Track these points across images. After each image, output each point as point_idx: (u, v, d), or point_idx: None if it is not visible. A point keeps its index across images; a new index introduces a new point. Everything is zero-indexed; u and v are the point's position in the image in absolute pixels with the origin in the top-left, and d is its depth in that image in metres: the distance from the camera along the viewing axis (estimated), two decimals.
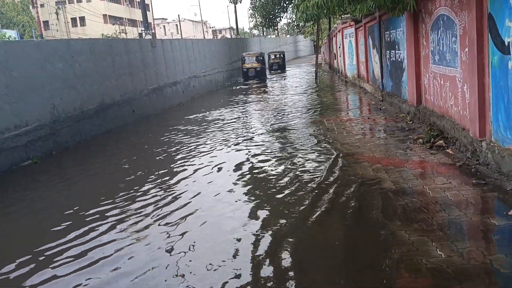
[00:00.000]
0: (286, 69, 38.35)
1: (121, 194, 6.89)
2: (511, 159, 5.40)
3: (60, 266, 4.68)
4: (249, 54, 31.14)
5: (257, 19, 34.29)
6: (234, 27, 50.57)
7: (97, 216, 6.01)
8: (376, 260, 4.04)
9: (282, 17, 34.23)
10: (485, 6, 5.92)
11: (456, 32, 7.14)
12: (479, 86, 6.19)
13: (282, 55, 38.03)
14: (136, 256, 4.70)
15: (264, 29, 45.05)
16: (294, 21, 38.55)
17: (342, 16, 19.88)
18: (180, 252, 4.65)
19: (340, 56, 24.69)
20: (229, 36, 70.66)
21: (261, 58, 30.91)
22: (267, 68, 36.25)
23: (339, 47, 24.27)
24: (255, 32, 75.64)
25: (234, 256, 4.47)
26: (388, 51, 12.40)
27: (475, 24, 6.11)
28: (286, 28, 79.01)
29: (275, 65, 37.46)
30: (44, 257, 4.93)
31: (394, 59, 11.73)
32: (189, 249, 4.71)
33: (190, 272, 4.22)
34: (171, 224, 5.49)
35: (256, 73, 29.71)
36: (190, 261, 4.45)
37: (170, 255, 4.61)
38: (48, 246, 5.18)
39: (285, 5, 30.62)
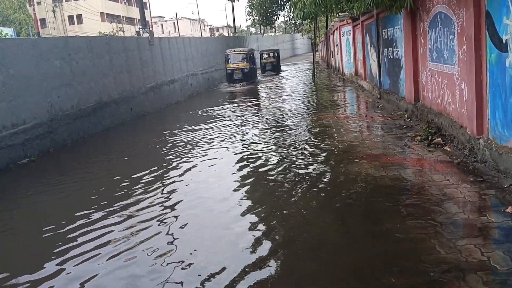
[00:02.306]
0: (282, 68, 34.51)
1: (119, 195, 6.86)
2: (508, 157, 5.41)
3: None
4: (234, 51, 25.65)
5: (255, 17, 34.13)
6: (232, 25, 50.52)
7: (95, 219, 5.95)
8: (374, 257, 4.05)
9: (280, 15, 33.96)
10: (483, 4, 5.93)
11: (454, 29, 7.15)
12: (477, 84, 6.20)
13: (276, 54, 33.19)
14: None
15: (262, 27, 44.91)
16: (291, 19, 38.32)
17: (340, 14, 19.90)
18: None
19: (337, 54, 24.70)
20: (226, 34, 70.60)
21: (251, 55, 25.77)
22: (259, 69, 32.54)
23: (337, 45, 24.29)
24: (253, 30, 75.62)
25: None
26: (385, 49, 12.41)
27: (473, 21, 6.12)
28: (284, 26, 78.99)
29: (268, 65, 32.66)
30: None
31: (391, 56, 11.74)
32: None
33: None
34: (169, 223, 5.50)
35: (243, 75, 24.71)
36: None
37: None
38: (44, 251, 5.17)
39: (282, 3, 30.47)
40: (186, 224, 5.38)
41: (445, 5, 7.47)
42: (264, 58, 33.39)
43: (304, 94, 18.19)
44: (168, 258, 4.50)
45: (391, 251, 4.09)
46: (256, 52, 33.01)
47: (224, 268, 4.16)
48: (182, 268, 4.26)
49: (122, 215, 5.89)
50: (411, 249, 4.05)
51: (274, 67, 32.63)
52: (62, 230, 5.56)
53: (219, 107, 16.20)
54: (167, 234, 5.14)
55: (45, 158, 10.04)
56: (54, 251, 4.97)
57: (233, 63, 24.99)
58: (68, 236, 5.34)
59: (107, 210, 6.13)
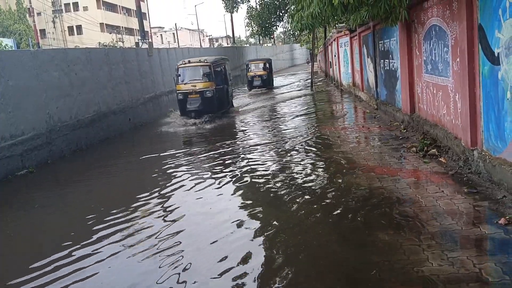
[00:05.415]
0: (275, 83, 28.77)
1: (115, 209, 6.80)
2: (501, 168, 5.46)
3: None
4: (189, 63, 15.70)
5: (254, 28, 34.30)
6: (231, 35, 50.82)
7: (93, 237, 5.95)
8: (367, 269, 4.07)
9: (278, 26, 34.08)
10: (475, 17, 6.02)
11: (448, 42, 7.24)
12: (470, 96, 6.26)
13: (267, 65, 26.71)
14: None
15: (261, 37, 45.13)
16: (289, 30, 38.47)
17: (337, 25, 20.06)
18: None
19: (335, 65, 24.84)
20: (225, 45, 70.99)
21: (219, 69, 16.25)
22: (246, 85, 27.26)
23: (335, 56, 24.44)
24: (252, 40, 76.13)
25: None
26: (382, 60, 12.51)
27: (466, 34, 6.20)
28: (283, 36, 79.49)
29: (257, 79, 26.01)
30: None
31: (388, 68, 11.84)
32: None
33: None
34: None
35: (203, 103, 14.87)
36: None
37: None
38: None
39: (281, 14, 30.68)
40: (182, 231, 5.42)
41: (439, 18, 7.57)
42: (252, 70, 26.52)
43: (302, 114, 15.27)
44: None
45: (384, 263, 4.11)
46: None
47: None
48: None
49: (123, 231, 5.92)
50: (404, 261, 4.07)
51: (264, 82, 26.16)
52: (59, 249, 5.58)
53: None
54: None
55: (44, 169, 10.08)
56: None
57: (186, 83, 15.27)
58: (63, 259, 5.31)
59: (101, 231, 5.98)
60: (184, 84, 15.20)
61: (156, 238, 5.39)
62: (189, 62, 15.74)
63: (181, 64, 15.71)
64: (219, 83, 15.74)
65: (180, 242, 5.19)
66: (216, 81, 15.46)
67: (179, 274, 4.41)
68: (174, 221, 5.97)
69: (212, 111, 15.25)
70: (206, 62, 15.51)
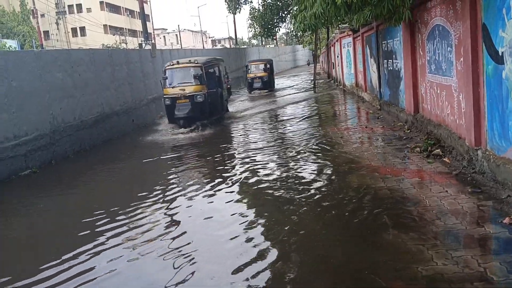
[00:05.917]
0: (276, 85, 27.93)
1: (119, 210, 6.74)
2: (506, 168, 5.44)
3: None
4: (178, 64, 14.10)
5: (256, 29, 34.25)
6: (233, 37, 50.88)
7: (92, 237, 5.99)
8: (371, 268, 4.06)
9: (281, 27, 33.97)
10: (479, 17, 6.00)
11: (452, 42, 7.22)
12: (474, 95, 6.24)
13: (268, 66, 25.43)
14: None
15: (263, 38, 45.14)
16: (292, 31, 38.44)
17: (340, 25, 20.05)
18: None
19: (338, 65, 24.80)
20: (228, 46, 71.07)
21: (213, 71, 14.81)
22: (246, 87, 26.20)
23: (337, 56, 24.41)
24: (254, 41, 76.20)
25: None
26: (385, 61, 12.49)
27: (470, 34, 6.18)
28: (285, 37, 79.50)
29: (257, 81, 25.00)
30: None
31: (391, 68, 11.82)
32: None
33: None
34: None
35: (194, 109, 13.31)
36: None
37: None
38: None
39: (283, 15, 30.68)
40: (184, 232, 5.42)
41: (443, 17, 7.55)
42: (252, 72, 25.42)
43: (305, 117, 14.49)
44: None
45: (388, 262, 4.10)
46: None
47: None
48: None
49: (124, 234, 5.93)
50: (408, 260, 4.06)
51: (264, 84, 25.14)
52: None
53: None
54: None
55: (47, 170, 10.10)
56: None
57: (173, 87, 13.69)
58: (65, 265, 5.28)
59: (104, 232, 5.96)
60: (172, 87, 13.58)
61: (167, 241, 5.35)
62: (178, 63, 14.10)
63: (168, 66, 14.05)
64: (212, 86, 13.98)
65: (191, 245, 5.13)
66: (208, 84, 13.73)
67: (196, 279, 4.37)
68: (181, 223, 5.98)
69: (204, 118, 13.61)
70: (197, 63, 13.85)
